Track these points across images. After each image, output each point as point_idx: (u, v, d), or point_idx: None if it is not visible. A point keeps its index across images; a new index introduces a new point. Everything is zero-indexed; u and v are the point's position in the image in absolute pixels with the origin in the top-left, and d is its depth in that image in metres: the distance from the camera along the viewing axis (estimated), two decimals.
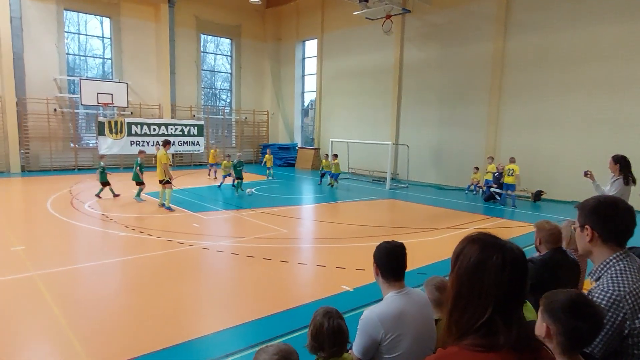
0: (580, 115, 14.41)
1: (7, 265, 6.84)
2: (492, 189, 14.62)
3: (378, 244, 2.67)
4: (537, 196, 14.85)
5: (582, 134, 14.38)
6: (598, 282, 1.97)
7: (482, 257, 1.36)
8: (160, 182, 11.79)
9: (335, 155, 17.51)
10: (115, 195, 13.03)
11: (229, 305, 5.70)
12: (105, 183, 12.90)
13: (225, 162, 16.45)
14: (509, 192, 13.89)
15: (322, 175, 18.02)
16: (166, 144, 12.19)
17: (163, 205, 11.69)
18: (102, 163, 13.14)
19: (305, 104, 28.05)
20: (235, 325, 4.98)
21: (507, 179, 13.90)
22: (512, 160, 14.21)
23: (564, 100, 14.78)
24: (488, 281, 1.33)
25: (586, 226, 2.03)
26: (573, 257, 3.34)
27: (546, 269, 3.03)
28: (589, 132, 14.23)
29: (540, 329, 1.69)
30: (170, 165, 12.24)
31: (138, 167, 12.58)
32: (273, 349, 2.17)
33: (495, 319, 1.31)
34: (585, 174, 6.52)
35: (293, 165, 25.43)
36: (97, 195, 12.88)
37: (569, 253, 3.37)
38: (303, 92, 27.69)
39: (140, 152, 13.45)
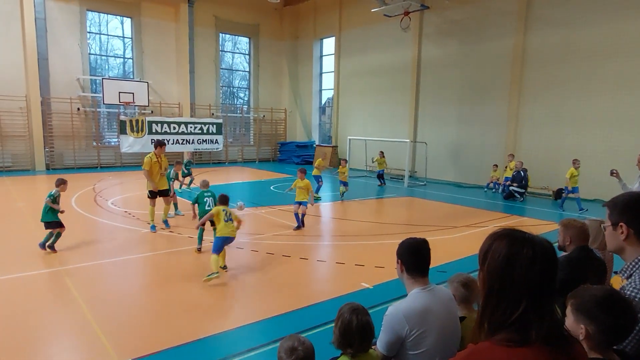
0: (603, 113, 14.08)
1: (34, 260, 7.04)
2: (511, 188, 14.41)
3: (401, 240, 2.67)
4: (558, 194, 14.57)
5: (605, 131, 14.04)
6: (630, 280, 1.94)
7: (511, 252, 1.36)
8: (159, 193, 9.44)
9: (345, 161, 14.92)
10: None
11: (250, 301, 5.76)
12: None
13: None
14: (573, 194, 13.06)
15: (380, 176, 17.23)
16: (158, 145, 9.41)
17: (164, 222, 9.54)
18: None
19: (323, 101, 28.05)
20: (257, 321, 5.04)
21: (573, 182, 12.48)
22: (576, 164, 12.40)
23: (587, 97, 14.46)
24: (519, 276, 1.33)
25: (621, 223, 1.98)
26: (599, 255, 3.28)
27: (574, 268, 2.98)
28: (612, 129, 13.89)
29: (575, 329, 1.67)
30: (162, 173, 9.47)
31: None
32: (300, 348, 2.27)
33: (528, 314, 1.31)
34: (612, 173, 6.41)
35: (311, 163, 25.46)
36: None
37: (595, 251, 3.31)
38: (321, 90, 27.68)
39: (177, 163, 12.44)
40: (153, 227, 9.15)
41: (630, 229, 1.96)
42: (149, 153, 9.47)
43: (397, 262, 2.61)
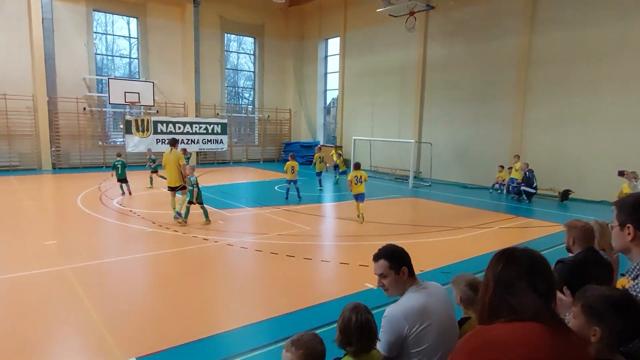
0: (610, 112, 13.97)
1: (40, 258, 7.08)
2: (522, 187, 14.21)
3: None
4: (565, 195, 14.48)
5: (612, 131, 13.93)
6: (636, 281, 1.92)
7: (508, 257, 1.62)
8: (175, 188, 10.25)
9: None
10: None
11: (254, 301, 5.76)
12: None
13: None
14: None
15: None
16: (175, 142, 10.56)
17: (179, 215, 9.92)
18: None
19: (328, 102, 28.04)
20: (260, 321, 5.04)
21: None
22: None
23: (593, 96, 14.36)
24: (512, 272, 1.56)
25: (628, 225, 1.97)
26: (606, 257, 3.25)
27: (579, 269, 2.96)
28: (618, 129, 13.77)
29: (586, 331, 1.65)
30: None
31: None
32: (304, 340, 2.25)
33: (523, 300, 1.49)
34: (620, 174, 6.36)
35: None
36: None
37: (602, 253, 3.28)
38: (325, 90, 27.68)
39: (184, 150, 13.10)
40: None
41: (638, 231, 1.94)
42: (173, 151, 10.27)
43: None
